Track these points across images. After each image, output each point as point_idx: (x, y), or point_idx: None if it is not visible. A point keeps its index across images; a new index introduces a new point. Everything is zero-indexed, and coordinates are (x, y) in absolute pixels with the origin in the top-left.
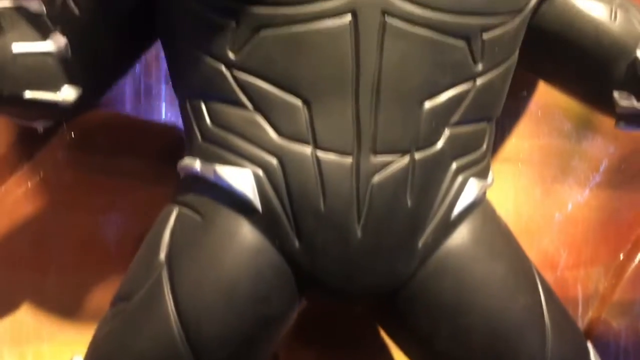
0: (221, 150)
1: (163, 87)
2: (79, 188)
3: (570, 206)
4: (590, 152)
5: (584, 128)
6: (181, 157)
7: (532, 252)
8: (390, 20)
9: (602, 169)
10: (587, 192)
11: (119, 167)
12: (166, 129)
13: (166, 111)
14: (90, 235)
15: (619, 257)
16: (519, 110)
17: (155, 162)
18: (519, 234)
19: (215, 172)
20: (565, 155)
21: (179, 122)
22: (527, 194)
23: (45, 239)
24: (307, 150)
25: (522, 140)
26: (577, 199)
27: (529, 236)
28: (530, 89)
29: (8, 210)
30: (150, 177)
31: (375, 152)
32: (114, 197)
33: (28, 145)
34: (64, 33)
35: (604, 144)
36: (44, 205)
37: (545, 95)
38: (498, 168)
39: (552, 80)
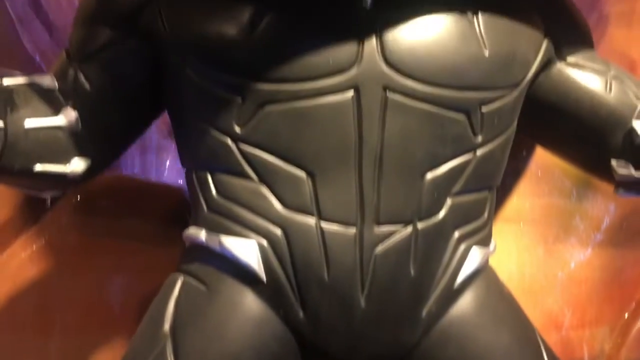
0: (226, 220)
1: (168, 141)
2: (84, 251)
3: (573, 265)
4: (591, 211)
5: (584, 187)
6: (185, 219)
7: (536, 312)
8: (391, 95)
9: (603, 227)
10: (589, 251)
11: (124, 230)
12: (170, 190)
13: (170, 166)
14: (95, 297)
15: (624, 316)
16: (519, 170)
17: (160, 224)
18: (522, 294)
19: (220, 242)
20: (566, 214)
21: (183, 182)
22: (529, 253)
23: (49, 302)
24: (311, 221)
25: (523, 199)
26: (580, 258)
27: (532, 296)
28: (530, 148)
29: (12, 273)
30: (155, 239)
31: (379, 222)
32: (118, 260)
33: (34, 209)
34: (75, 107)
35: (604, 203)
36: (48, 269)
37: (545, 155)
38: (500, 228)
39: (550, 147)
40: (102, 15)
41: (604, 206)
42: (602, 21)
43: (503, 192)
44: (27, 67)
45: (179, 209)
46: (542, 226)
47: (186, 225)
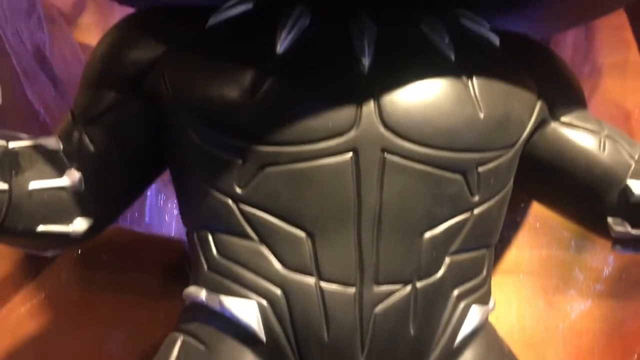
0: (227, 280)
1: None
2: (83, 305)
3: (573, 317)
4: (590, 262)
5: (582, 238)
6: (186, 272)
7: None
8: (389, 157)
9: (603, 278)
10: (589, 302)
11: (123, 283)
12: (171, 243)
13: (170, 210)
14: (94, 352)
15: None
16: (517, 222)
17: (161, 277)
18: (523, 346)
19: (220, 302)
20: (565, 265)
21: (183, 233)
22: (529, 305)
23: (48, 357)
24: (311, 281)
25: (521, 251)
26: (580, 309)
27: (533, 348)
28: (528, 200)
29: (12, 328)
30: (155, 293)
31: (378, 282)
32: (118, 314)
33: (33, 263)
34: (78, 168)
35: (603, 254)
36: (48, 323)
37: (542, 207)
38: (499, 280)
39: (547, 204)
40: (108, 78)
41: (602, 257)
42: (596, 72)
43: (502, 244)
44: (32, 121)
45: (179, 261)
46: (542, 278)
47: (187, 278)
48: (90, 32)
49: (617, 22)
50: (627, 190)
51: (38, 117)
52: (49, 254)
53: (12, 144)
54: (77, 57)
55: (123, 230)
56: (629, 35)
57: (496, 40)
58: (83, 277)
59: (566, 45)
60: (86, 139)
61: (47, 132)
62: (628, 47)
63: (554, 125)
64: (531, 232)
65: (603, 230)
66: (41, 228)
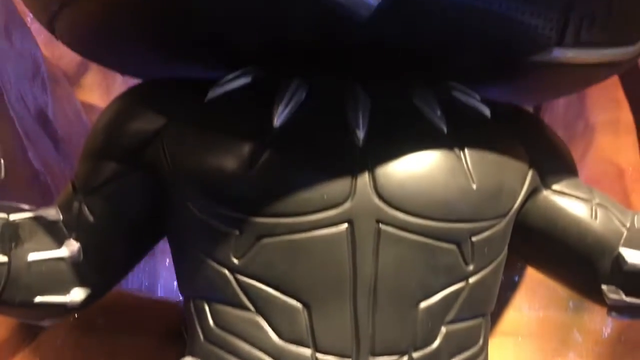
0: (222, 352)
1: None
2: None
3: None
4: (588, 323)
5: (579, 299)
6: (183, 335)
7: None
8: (384, 227)
9: (601, 340)
10: None
11: (120, 348)
12: (168, 306)
13: (169, 267)
14: None
15: None
16: (515, 282)
17: (157, 341)
18: None
19: None
20: (564, 327)
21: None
22: None
23: None
24: (307, 353)
25: (520, 312)
26: None
27: None
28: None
29: None
30: (152, 357)
31: (374, 354)
32: None
33: (30, 328)
34: (77, 239)
35: (601, 315)
36: None
37: None
38: (498, 342)
39: (541, 270)
40: (109, 149)
41: (601, 318)
42: (589, 130)
43: (499, 305)
44: (33, 182)
45: (176, 325)
46: (541, 340)
47: (184, 342)
48: (93, 92)
49: (608, 80)
50: (619, 258)
51: (39, 177)
52: (45, 323)
53: (13, 216)
54: (79, 117)
55: (120, 293)
56: (620, 94)
57: (487, 111)
58: (79, 342)
59: (558, 104)
60: (86, 210)
61: (47, 193)
62: (619, 105)
63: (545, 193)
64: (529, 292)
65: (598, 297)
66: (39, 299)
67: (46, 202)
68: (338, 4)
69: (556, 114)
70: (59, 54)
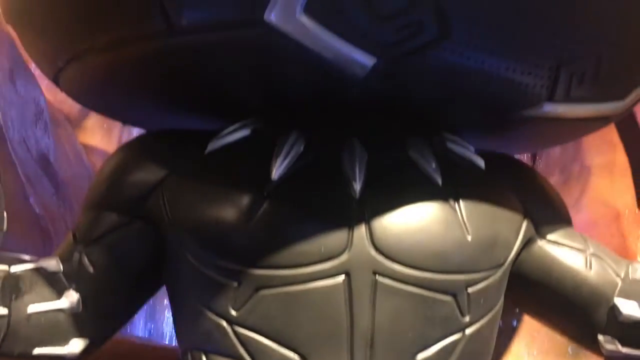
0: None
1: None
2: None
3: None
4: None
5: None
6: None
7: None
8: (381, 279)
9: None
10: None
11: None
12: (167, 352)
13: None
14: None
15: None
16: (513, 328)
17: None
18: None
19: None
20: None
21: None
22: None
23: None
24: None
25: (519, 359)
26: None
27: None
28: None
29: None
30: None
31: None
32: None
33: None
34: (77, 290)
35: None
36: None
37: None
38: None
39: (538, 319)
40: (110, 200)
41: None
42: (585, 172)
43: (499, 352)
44: (34, 227)
45: None
46: None
47: None
48: (95, 134)
49: None
50: (615, 309)
51: (39, 222)
52: None
53: (14, 268)
54: (80, 159)
55: (120, 340)
56: (615, 136)
57: (481, 163)
58: None
59: (554, 147)
60: (86, 261)
61: (47, 238)
62: (614, 148)
63: (540, 243)
64: (527, 338)
65: (594, 347)
66: (37, 350)
67: (46, 246)
68: (334, 64)
69: (552, 156)
70: (62, 98)
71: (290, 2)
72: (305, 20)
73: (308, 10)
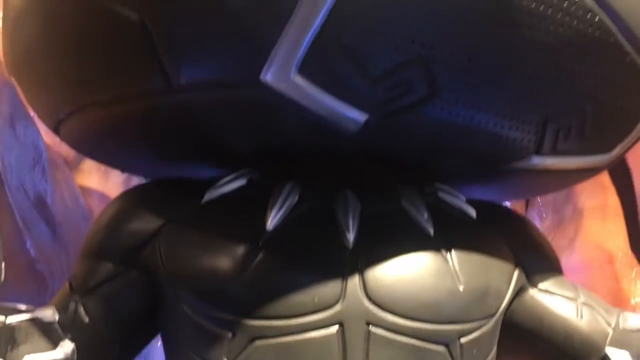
0: None
1: None
2: None
3: None
4: None
5: None
6: None
7: None
8: (374, 329)
9: None
10: None
11: None
12: None
13: None
14: None
15: None
16: None
17: None
18: None
19: None
20: None
21: None
22: None
23: None
24: None
25: None
26: None
27: None
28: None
29: None
30: None
31: None
32: None
33: None
34: (73, 340)
35: None
36: None
37: None
38: None
39: None
40: (106, 250)
41: None
42: (577, 214)
43: None
44: (29, 271)
45: None
46: None
47: None
48: (92, 176)
49: None
50: (606, 359)
51: (35, 266)
52: None
53: (10, 319)
54: (77, 201)
55: None
56: (606, 179)
57: (473, 213)
58: None
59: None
60: (81, 310)
61: (43, 282)
62: (606, 191)
63: (532, 292)
64: None
65: None
66: None
67: (41, 291)
68: (329, 121)
69: (545, 199)
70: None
71: (286, 64)
72: (299, 80)
73: (302, 71)
